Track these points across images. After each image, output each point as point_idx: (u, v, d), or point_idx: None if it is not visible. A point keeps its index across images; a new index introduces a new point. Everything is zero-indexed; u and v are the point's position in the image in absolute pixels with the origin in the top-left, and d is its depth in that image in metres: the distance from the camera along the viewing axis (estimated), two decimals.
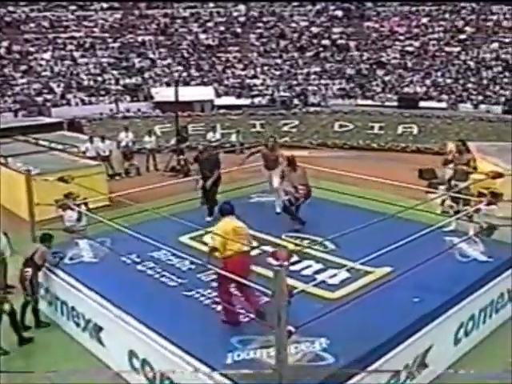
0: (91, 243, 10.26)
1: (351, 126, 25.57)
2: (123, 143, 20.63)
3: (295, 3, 37.40)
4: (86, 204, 11.15)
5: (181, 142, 20.72)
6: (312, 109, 27.81)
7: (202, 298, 8.04)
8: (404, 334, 7.10)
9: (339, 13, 36.17)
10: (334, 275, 8.47)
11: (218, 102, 29.80)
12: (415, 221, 10.58)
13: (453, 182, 10.74)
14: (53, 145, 19.60)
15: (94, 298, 8.37)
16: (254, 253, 9.49)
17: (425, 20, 34.24)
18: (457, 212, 10.52)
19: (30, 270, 9.33)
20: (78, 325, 8.89)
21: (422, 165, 18.78)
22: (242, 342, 6.78)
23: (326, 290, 8.06)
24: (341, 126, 25.69)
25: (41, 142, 20.43)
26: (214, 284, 8.35)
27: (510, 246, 9.64)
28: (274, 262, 6.36)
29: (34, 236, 10.15)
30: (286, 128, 25.86)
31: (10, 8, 35.00)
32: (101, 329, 8.29)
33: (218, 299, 7.78)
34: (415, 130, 24.79)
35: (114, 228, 10.35)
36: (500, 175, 9.94)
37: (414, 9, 34.92)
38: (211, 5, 37.90)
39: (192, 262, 9.10)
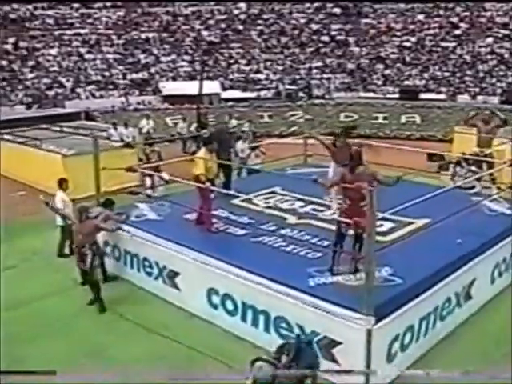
0: (151, 205, 11.21)
1: (356, 117, 26.73)
2: (144, 130, 21.54)
3: (294, 1, 38.49)
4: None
5: (202, 128, 21.68)
6: (317, 101, 28.98)
7: (270, 243, 9.03)
8: (453, 266, 8.20)
9: (337, 10, 37.32)
10: (381, 225, 9.49)
11: (225, 95, 30.75)
12: (440, 186, 11.68)
13: (477, 149, 11.81)
14: (79, 130, 20.50)
15: (170, 245, 9.31)
16: (305, 209, 10.63)
17: (420, 17, 35.48)
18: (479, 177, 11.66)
19: None
20: (149, 274, 9.82)
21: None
22: (318, 271, 7.80)
23: (378, 236, 9.04)
24: (346, 117, 26.85)
25: (64, 129, 21.30)
26: (278, 233, 9.40)
27: None
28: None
29: (99, 201, 11.03)
30: (293, 118, 26.93)
31: (15, 6, 35.65)
32: (176, 274, 9.24)
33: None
34: (418, 120, 26.06)
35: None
36: None
37: (409, 6, 36.14)
38: (212, 3, 38.89)
39: (250, 217, 10.16)
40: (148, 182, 12.92)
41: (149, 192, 12.32)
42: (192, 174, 9.97)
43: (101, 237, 10.47)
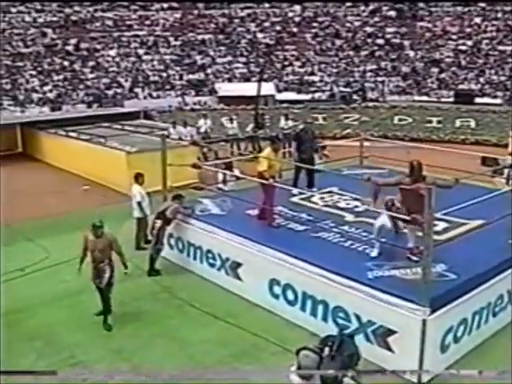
0: (214, 201, 11.80)
1: (410, 120, 26.80)
2: (202, 129, 22.20)
3: (349, 4, 38.72)
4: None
5: (259, 128, 22.24)
6: (371, 104, 29.18)
7: (329, 238, 9.48)
8: (505, 265, 8.48)
9: (392, 13, 37.39)
10: (436, 225, 9.81)
11: (279, 96, 31.17)
12: (494, 189, 11.91)
13: None
14: (139, 129, 21.35)
15: (233, 238, 9.87)
16: (361, 209, 11.02)
17: (477, 20, 35.25)
18: None
19: (159, 222, 10.88)
20: (212, 265, 10.39)
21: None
22: (377, 265, 8.23)
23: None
24: (400, 120, 26.92)
25: (126, 128, 22.17)
26: (336, 230, 9.83)
27: None
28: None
29: (166, 196, 11.65)
30: (347, 121, 27.23)
31: (76, 8, 36.96)
32: (239, 265, 9.77)
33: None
34: (473, 124, 25.91)
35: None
36: None
37: (466, 9, 35.95)
38: (267, 5, 39.48)
39: (309, 214, 10.63)
40: (220, 176, 13.95)
41: (220, 186, 13.12)
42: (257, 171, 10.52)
43: (169, 229, 11.14)
